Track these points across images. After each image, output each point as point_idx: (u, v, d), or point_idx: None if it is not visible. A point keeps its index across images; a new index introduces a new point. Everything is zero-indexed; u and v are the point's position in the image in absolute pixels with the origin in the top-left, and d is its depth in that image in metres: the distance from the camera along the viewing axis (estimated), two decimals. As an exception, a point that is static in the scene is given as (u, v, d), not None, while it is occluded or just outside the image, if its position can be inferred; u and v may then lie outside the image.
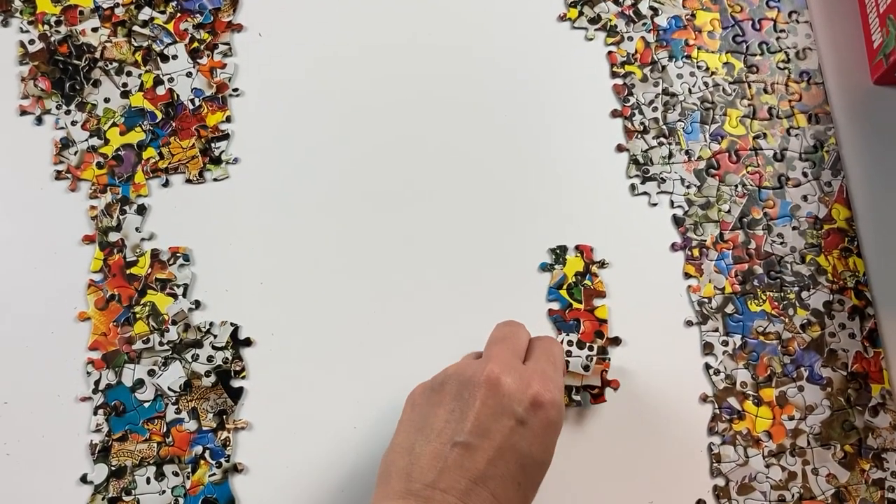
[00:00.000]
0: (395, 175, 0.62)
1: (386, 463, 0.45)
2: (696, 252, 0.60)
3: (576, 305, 0.58)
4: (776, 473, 0.56)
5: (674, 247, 0.60)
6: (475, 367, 0.46)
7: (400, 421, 0.47)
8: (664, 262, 0.60)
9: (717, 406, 0.57)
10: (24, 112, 0.64)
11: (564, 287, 0.58)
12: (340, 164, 0.62)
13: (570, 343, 0.57)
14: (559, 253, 0.59)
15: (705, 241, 0.60)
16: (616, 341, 0.58)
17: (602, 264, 0.59)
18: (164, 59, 0.65)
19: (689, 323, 0.59)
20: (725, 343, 0.58)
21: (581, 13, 0.66)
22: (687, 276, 0.60)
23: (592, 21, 0.66)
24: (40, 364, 0.58)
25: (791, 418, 0.57)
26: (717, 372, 0.58)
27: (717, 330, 0.58)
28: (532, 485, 0.45)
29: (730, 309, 0.59)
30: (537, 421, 0.44)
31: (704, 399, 0.57)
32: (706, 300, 0.59)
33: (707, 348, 0.58)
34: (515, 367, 0.46)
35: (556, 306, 0.58)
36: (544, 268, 0.59)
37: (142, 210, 0.61)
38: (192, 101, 0.64)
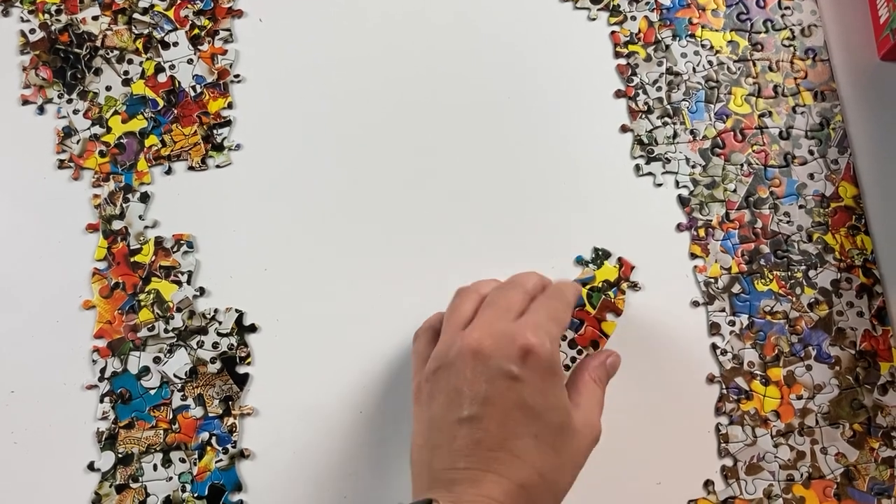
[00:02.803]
0: (398, 158, 0.62)
1: (413, 463, 0.46)
2: (701, 232, 0.60)
3: (588, 308, 0.57)
4: (785, 453, 0.55)
5: (679, 227, 0.60)
6: (456, 342, 0.45)
7: (413, 420, 0.47)
8: (670, 242, 0.60)
9: (724, 386, 0.57)
10: (25, 102, 0.64)
11: (587, 287, 0.57)
12: (343, 149, 0.62)
13: (563, 338, 0.57)
14: (601, 255, 0.58)
15: (711, 220, 0.60)
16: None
17: (634, 286, 0.58)
18: (165, 46, 0.64)
19: (695, 303, 0.58)
20: (732, 323, 0.58)
21: (583, -7, 0.65)
22: (693, 256, 0.59)
23: (595, 1, 0.65)
24: (46, 353, 0.58)
25: (799, 398, 0.56)
26: (724, 352, 0.57)
27: (723, 310, 0.58)
28: (553, 433, 0.43)
29: (736, 289, 0.58)
30: (531, 371, 0.43)
31: (711, 379, 0.57)
32: (712, 280, 0.59)
33: (714, 328, 0.58)
34: (497, 327, 0.45)
35: None
36: (579, 261, 0.58)
37: (145, 198, 0.61)
38: (193, 87, 0.63)
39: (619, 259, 0.58)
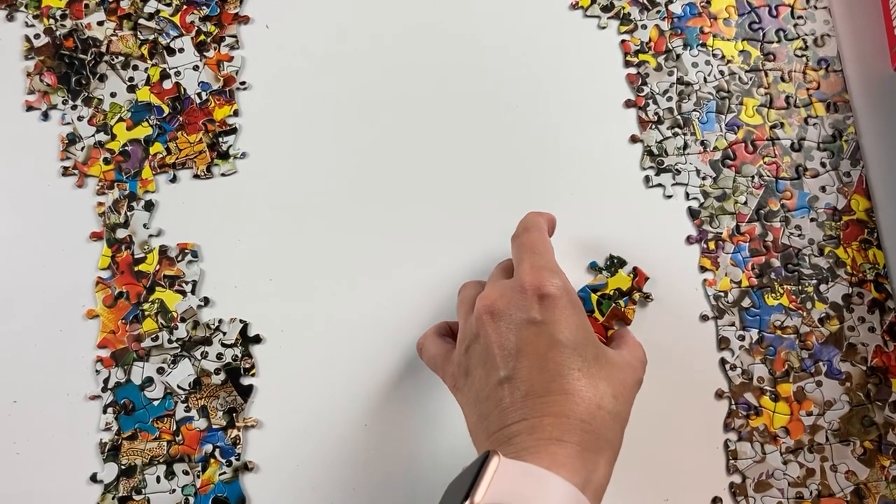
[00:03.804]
0: (406, 168, 0.61)
1: (475, 445, 0.45)
2: (711, 245, 0.59)
3: (596, 315, 0.56)
4: (794, 470, 0.55)
5: (689, 240, 0.59)
6: (471, 316, 0.46)
7: (462, 409, 0.47)
8: (679, 255, 0.59)
9: (733, 402, 0.56)
10: (30, 107, 0.63)
11: (599, 293, 0.56)
12: (350, 158, 0.61)
13: None
14: (616, 263, 0.57)
15: (721, 233, 0.59)
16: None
17: (647, 297, 0.57)
18: (171, 52, 0.64)
19: (704, 317, 0.58)
20: (742, 338, 0.57)
21: (593, 1, 0.65)
22: (703, 269, 0.59)
23: (605, 9, 0.64)
24: (49, 362, 0.58)
25: (809, 414, 0.56)
26: (733, 367, 0.57)
27: (733, 324, 0.57)
28: (593, 363, 0.43)
29: (746, 303, 0.58)
30: (550, 310, 0.43)
31: (720, 395, 0.56)
32: (722, 294, 0.58)
33: (723, 343, 0.57)
34: (502, 285, 0.46)
35: None
36: (593, 267, 0.57)
37: (149, 206, 0.60)
38: (199, 94, 0.63)
39: (635, 269, 0.57)
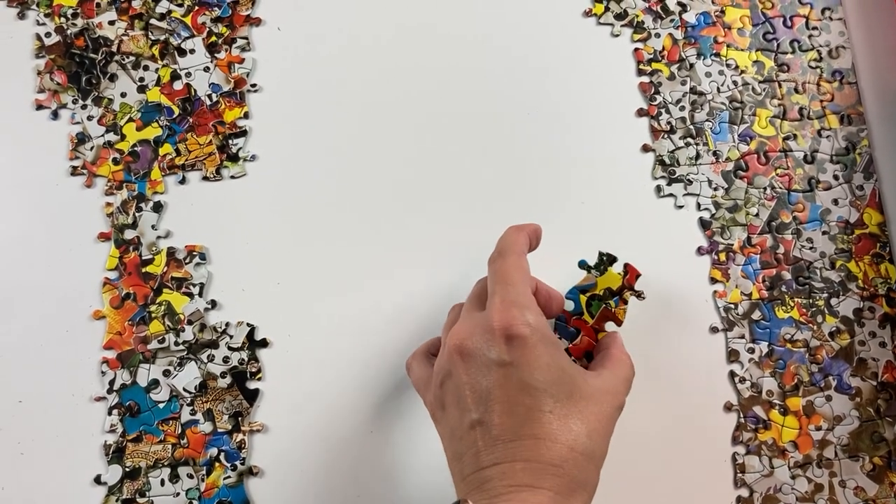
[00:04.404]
0: (415, 173, 0.61)
1: (452, 477, 0.45)
2: (722, 256, 0.59)
3: (585, 317, 0.52)
4: (802, 485, 0.54)
5: (700, 250, 0.59)
6: (442, 352, 0.45)
7: (440, 437, 0.46)
8: (690, 266, 0.59)
9: (742, 415, 0.56)
10: (40, 106, 0.63)
11: (588, 294, 0.53)
12: (360, 162, 0.61)
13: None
14: (605, 260, 0.53)
15: (732, 245, 0.59)
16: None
17: (638, 294, 0.52)
18: (182, 53, 0.64)
19: (714, 329, 0.57)
20: (752, 350, 0.57)
21: (607, 9, 0.64)
22: (713, 280, 0.58)
23: (619, 17, 0.64)
24: (55, 363, 0.58)
25: (818, 429, 0.55)
26: (742, 380, 0.56)
27: (743, 337, 0.57)
28: (566, 403, 0.42)
29: (757, 315, 0.57)
30: (520, 350, 0.42)
31: (729, 407, 0.56)
32: (732, 306, 0.58)
33: (733, 355, 0.57)
34: (472, 320, 0.44)
35: (568, 307, 0.52)
36: (582, 265, 0.53)
37: (158, 207, 0.60)
38: (209, 96, 0.63)
39: (626, 265, 0.52)
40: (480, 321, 0.44)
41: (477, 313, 0.45)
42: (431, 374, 0.47)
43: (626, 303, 0.52)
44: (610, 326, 0.52)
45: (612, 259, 0.53)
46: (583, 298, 0.52)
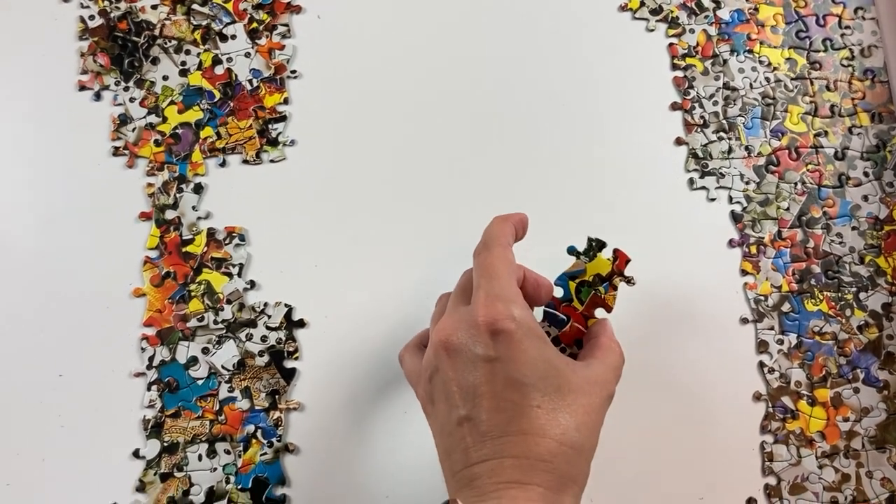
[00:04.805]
0: (451, 161, 0.62)
1: (442, 471, 0.45)
2: (753, 249, 0.59)
3: (575, 304, 0.50)
4: (829, 475, 0.55)
5: (731, 243, 0.60)
6: (429, 347, 0.45)
7: (432, 434, 0.46)
8: (721, 257, 0.60)
9: (770, 404, 0.57)
10: (83, 87, 0.64)
11: (577, 280, 0.50)
12: (397, 149, 0.62)
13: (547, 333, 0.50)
14: (595, 245, 0.50)
15: (763, 238, 0.60)
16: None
17: (628, 280, 0.50)
18: (223, 38, 0.65)
19: (744, 320, 0.58)
20: (781, 342, 0.58)
21: (642, 3, 0.65)
22: (744, 272, 0.59)
23: (654, 12, 0.65)
24: (95, 338, 0.59)
25: (846, 420, 0.56)
26: (771, 370, 0.57)
27: (772, 328, 0.58)
28: (553, 397, 0.41)
29: (786, 307, 0.58)
30: (506, 345, 0.41)
31: (758, 397, 0.57)
32: (762, 298, 0.59)
33: (762, 346, 0.58)
34: (458, 315, 0.43)
35: (557, 294, 0.50)
36: (571, 251, 0.51)
37: (199, 189, 0.61)
38: (250, 81, 0.64)
39: (615, 251, 0.50)
40: (465, 316, 0.43)
41: (462, 307, 0.44)
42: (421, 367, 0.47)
43: (615, 289, 0.50)
44: (600, 313, 0.50)
45: (601, 244, 0.51)
46: (572, 285, 0.51)
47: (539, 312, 0.51)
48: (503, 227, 0.47)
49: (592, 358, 0.46)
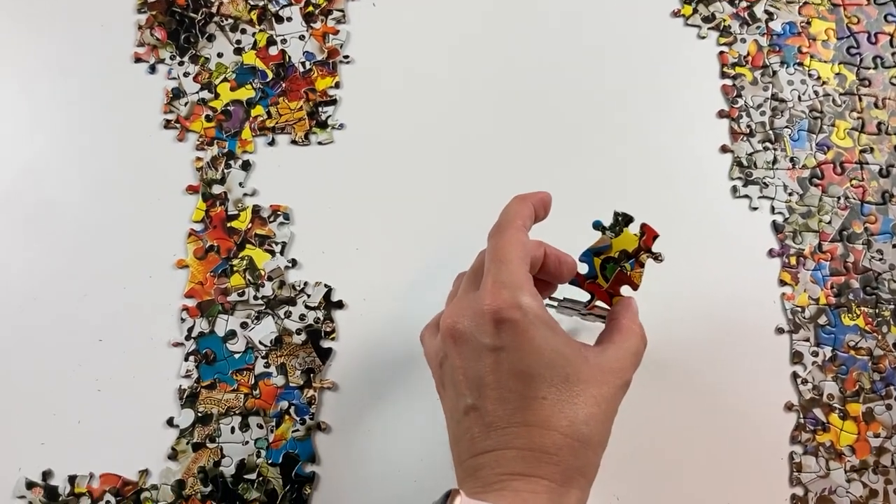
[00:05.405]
0: (496, 155, 0.62)
1: (452, 458, 0.44)
2: (793, 260, 0.60)
3: (600, 280, 0.48)
4: (857, 489, 0.55)
5: (771, 253, 0.60)
6: (437, 335, 0.44)
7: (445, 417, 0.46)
8: (760, 266, 0.60)
9: (801, 415, 0.57)
10: (138, 59, 0.65)
11: (602, 256, 0.48)
12: (444, 139, 0.63)
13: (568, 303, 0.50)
14: (621, 220, 0.48)
15: (803, 250, 0.60)
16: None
17: (656, 257, 0.49)
18: (279, 20, 0.65)
19: (780, 330, 0.58)
20: (815, 354, 0.58)
21: (695, 10, 0.65)
22: (782, 283, 0.59)
23: (706, 20, 0.65)
24: (136, 306, 0.59)
25: (876, 436, 0.56)
26: (804, 381, 0.57)
27: (808, 340, 0.58)
28: (560, 388, 0.40)
29: (823, 320, 0.58)
30: (512, 335, 0.40)
31: (790, 407, 0.57)
32: (799, 309, 0.59)
33: (796, 357, 0.58)
34: (465, 302, 0.42)
35: (582, 270, 0.49)
36: (597, 226, 0.49)
37: (246, 166, 0.62)
38: (302, 63, 0.64)
39: (643, 226, 0.47)
40: (472, 303, 0.42)
41: (472, 293, 0.43)
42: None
43: (642, 266, 0.48)
44: (626, 291, 0.48)
45: (627, 219, 0.48)
46: (597, 261, 0.49)
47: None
48: (520, 208, 0.45)
49: (610, 343, 0.44)
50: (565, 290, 0.49)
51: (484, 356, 0.40)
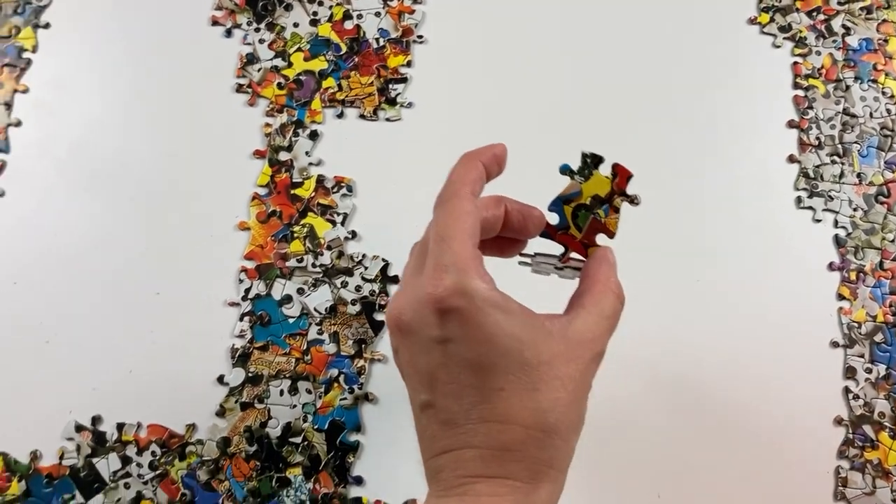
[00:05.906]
0: (565, 142, 0.62)
1: None
2: (853, 275, 0.59)
3: (573, 231, 0.43)
4: (902, 510, 0.55)
5: (831, 266, 0.60)
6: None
7: None
8: (819, 279, 0.59)
9: (850, 431, 0.56)
10: (215, 22, 0.66)
11: (573, 204, 0.43)
12: (512, 127, 0.63)
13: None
14: (589, 162, 0.42)
15: (864, 266, 0.59)
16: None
17: (631, 200, 0.42)
18: (357, -5, 0.66)
19: (835, 344, 0.58)
20: (869, 370, 0.57)
21: (772, 19, 0.65)
22: (840, 297, 0.59)
23: (782, 29, 0.65)
24: (195, 263, 0.60)
25: (925, 458, 0.56)
26: (856, 397, 0.57)
27: (862, 356, 0.58)
28: (519, 376, 0.35)
29: (879, 338, 0.58)
30: (458, 324, 0.35)
31: (839, 422, 0.56)
32: (856, 325, 0.58)
33: (850, 372, 0.57)
34: (408, 290, 0.37)
35: (552, 220, 0.43)
36: (564, 170, 0.43)
37: (314, 136, 0.63)
38: (376, 40, 0.65)
39: (614, 166, 0.42)
40: (415, 291, 0.37)
41: (416, 278, 0.38)
42: None
43: (617, 211, 0.43)
44: (602, 240, 0.43)
45: (597, 160, 0.43)
46: (567, 210, 0.43)
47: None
48: (465, 171, 0.40)
49: (580, 307, 0.38)
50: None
51: (432, 350, 0.36)
